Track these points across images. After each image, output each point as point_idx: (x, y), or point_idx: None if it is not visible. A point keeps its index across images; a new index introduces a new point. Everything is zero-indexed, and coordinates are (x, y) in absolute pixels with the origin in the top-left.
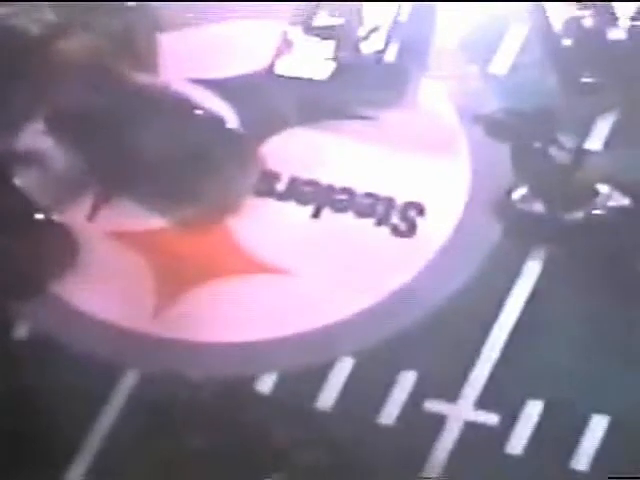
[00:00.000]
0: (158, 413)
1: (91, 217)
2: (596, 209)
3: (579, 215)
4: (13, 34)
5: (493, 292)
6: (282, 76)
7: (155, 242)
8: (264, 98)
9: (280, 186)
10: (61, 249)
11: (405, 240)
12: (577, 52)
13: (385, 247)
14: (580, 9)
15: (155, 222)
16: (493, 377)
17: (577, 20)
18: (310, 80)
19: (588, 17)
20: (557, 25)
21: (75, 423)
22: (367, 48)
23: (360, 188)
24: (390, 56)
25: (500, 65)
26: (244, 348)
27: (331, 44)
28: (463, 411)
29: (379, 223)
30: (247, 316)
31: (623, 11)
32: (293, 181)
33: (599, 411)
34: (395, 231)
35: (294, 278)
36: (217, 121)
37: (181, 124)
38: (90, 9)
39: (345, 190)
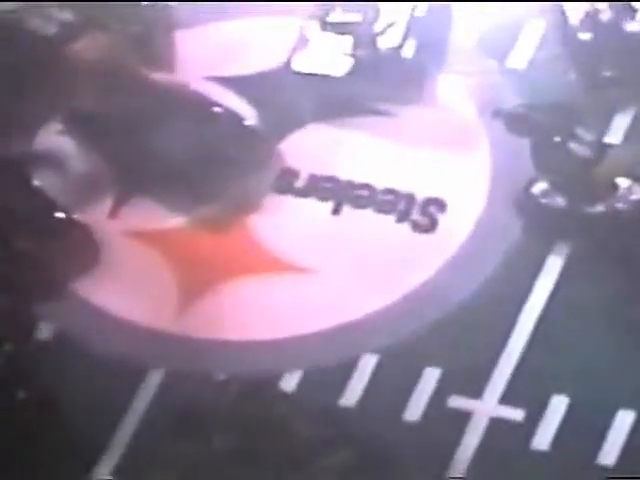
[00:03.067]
0: (183, 412)
1: (112, 216)
2: (617, 203)
3: (600, 209)
4: (31, 35)
5: (516, 287)
6: (300, 73)
7: (176, 241)
8: (282, 95)
9: (299, 183)
10: (82, 249)
11: (426, 236)
12: (595, 46)
13: (406, 243)
14: (597, 2)
15: (175, 221)
16: (517, 372)
17: (594, 14)
18: (328, 76)
19: (605, 11)
20: (574, 19)
21: (100, 424)
22: (384, 44)
23: (380, 184)
24: (408, 52)
25: (518, 60)
26: (267, 346)
27: (348, 40)
28: (488, 407)
29: (400, 219)
30: (269, 314)
31: None
32: (312, 178)
33: (625, 406)
34: (416, 227)
35: (316, 275)
36: (235, 119)
37: (199, 122)
38: (107, 8)
39: (365, 186)
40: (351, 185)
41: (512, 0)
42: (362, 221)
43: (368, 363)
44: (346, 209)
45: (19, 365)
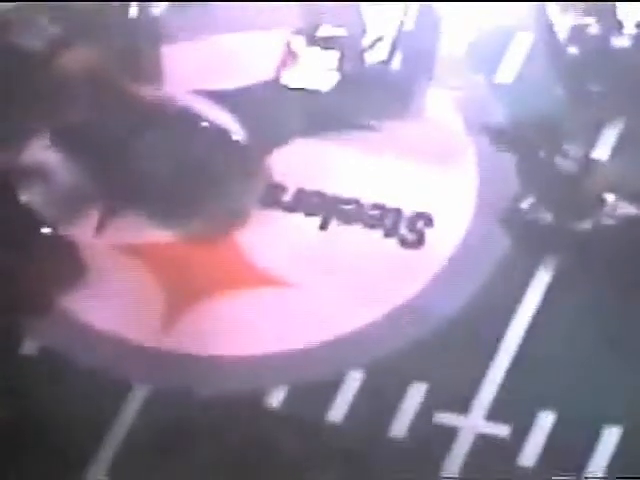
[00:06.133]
0: (167, 428)
1: (98, 231)
2: (604, 218)
3: (587, 224)
4: (17, 49)
5: (502, 303)
6: (287, 87)
7: (162, 255)
8: (269, 109)
9: (287, 198)
10: (68, 264)
11: (414, 251)
12: (582, 60)
13: (394, 258)
14: (585, 17)
15: (162, 235)
16: (504, 388)
17: (582, 28)
18: (315, 91)
19: (593, 25)
20: (562, 33)
21: (84, 440)
22: (372, 58)
23: (368, 199)
24: (395, 66)
25: (506, 74)
26: (253, 362)
27: (335, 55)
28: (474, 423)
29: (387, 234)
30: (256, 329)
31: (628, 18)
32: (300, 192)
33: (611, 422)
34: (403, 242)
35: (302, 291)
36: (222, 133)
37: (186, 136)
38: (94, 22)
39: (352, 201)
40: (338, 200)
41: (502, 1)
42: (349, 236)
43: (354, 379)
44: (333, 224)
45: (4, 380)
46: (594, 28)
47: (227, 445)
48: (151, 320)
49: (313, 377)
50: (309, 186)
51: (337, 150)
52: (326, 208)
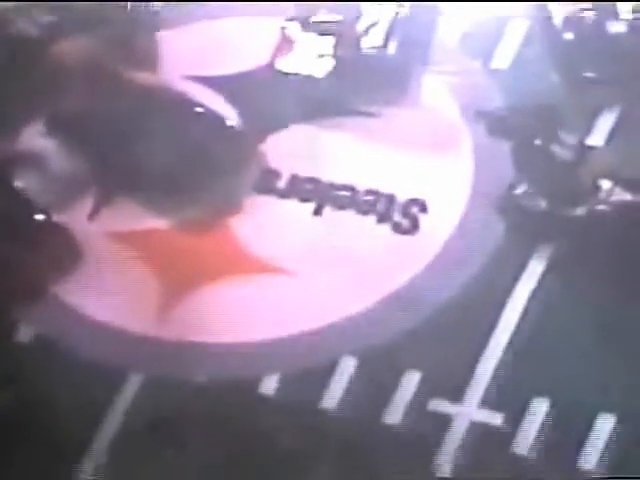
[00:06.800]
0: (162, 416)
1: (92, 218)
2: (599, 205)
3: (582, 211)
4: (13, 37)
5: (497, 289)
6: (282, 73)
7: (157, 242)
8: (264, 95)
9: (281, 184)
10: (62, 251)
11: (407, 237)
12: (578, 47)
13: (387, 245)
14: (581, 2)
15: (156, 222)
16: (498, 376)
17: (578, 14)
18: (310, 77)
19: (589, 11)
20: (558, 19)
21: (78, 429)
22: (367, 44)
23: (361, 185)
24: (391, 52)
25: (502, 60)
26: (246, 349)
27: (330, 40)
28: (468, 410)
29: (381, 220)
30: (249, 316)
31: (624, 4)
32: (294, 178)
33: (606, 410)
34: (397, 228)
35: (296, 277)
36: (217, 119)
37: (181, 122)
38: (89, 10)
39: (347, 187)
40: (333, 186)
41: (496, 0)
42: (343, 222)
43: (348, 366)
44: (327, 210)
45: None
46: (590, 14)
47: (221, 432)
48: (146, 308)
49: (306, 364)
50: (303, 172)
51: (332, 136)
52: (320, 194)
